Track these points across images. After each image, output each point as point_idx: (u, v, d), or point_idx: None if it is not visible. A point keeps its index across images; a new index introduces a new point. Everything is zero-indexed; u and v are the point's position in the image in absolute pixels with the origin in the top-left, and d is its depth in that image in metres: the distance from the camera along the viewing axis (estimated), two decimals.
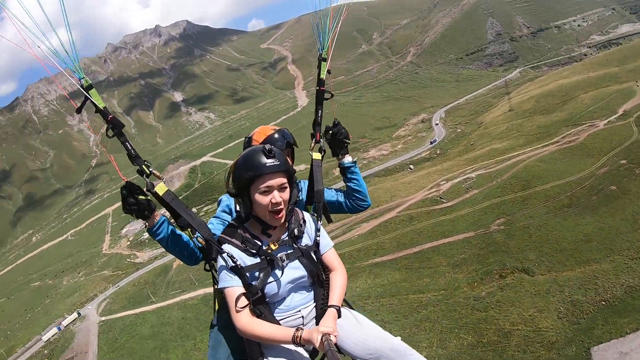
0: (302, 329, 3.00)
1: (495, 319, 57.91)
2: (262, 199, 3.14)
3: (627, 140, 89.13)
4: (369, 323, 3.56)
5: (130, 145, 3.56)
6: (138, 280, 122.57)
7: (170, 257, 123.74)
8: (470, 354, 54.22)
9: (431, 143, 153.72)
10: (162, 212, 3.76)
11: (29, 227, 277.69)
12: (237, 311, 3.07)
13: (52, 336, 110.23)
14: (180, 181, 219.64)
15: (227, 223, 3.72)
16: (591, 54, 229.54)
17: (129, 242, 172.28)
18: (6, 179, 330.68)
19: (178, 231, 3.69)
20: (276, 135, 4.42)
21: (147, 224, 3.63)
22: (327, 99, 4.61)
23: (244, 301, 3.08)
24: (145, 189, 3.52)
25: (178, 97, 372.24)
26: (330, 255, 3.66)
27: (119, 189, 3.50)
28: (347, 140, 4.50)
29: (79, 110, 3.71)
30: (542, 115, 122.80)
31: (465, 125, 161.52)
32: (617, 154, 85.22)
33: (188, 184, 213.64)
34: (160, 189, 3.52)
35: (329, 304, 3.33)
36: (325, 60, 4.53)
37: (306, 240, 3.53)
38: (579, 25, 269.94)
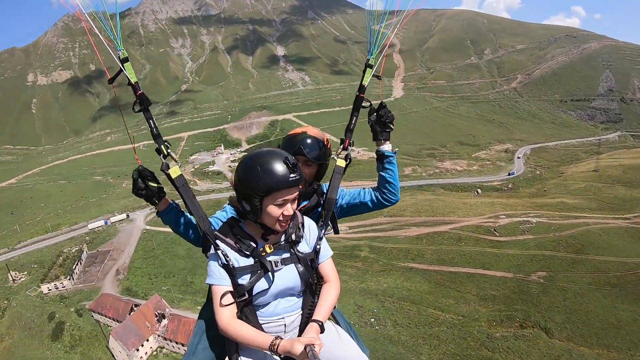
0: (280, 338, 2.97)
1: None
2: (275, 211, 3.11)
3: None
4: (349, 340, 3.59)
5: (154, 123, 3.65)
6: None
7: (226, 194, 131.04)
8: None
9: (509, 174, 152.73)
10: (176, 200, 4.00)
11: (107, 127, 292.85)
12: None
13: (98, 227, 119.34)
14: (259, 130, 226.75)
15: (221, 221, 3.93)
16: None
17: (193, 169, 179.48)
18: (99, 78, 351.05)
19: (188, 217, 3.82)
20: (309, 141, 4.22)
21: (157, 208, 3.78)
22: (364, 107, 4.46)
23: (228, 300, 3.10)
24: (160, 168, 3.64)
25: (280, 51, 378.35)
26: (327, 265, 3.60)
27: (132, 172, 3.68)
28: (391, 125, 4.37)
29: (111, 81, 3.61)
30: (624, 186, 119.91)
31: (546, 169, 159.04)
32: None
33: (265, 134, 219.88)
34: (174, 172, 3.58)
35: (314, 317, 3.27)
36: (371, 67, 4.35)
37: (304, 247, 3.47)
38: None
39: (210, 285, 3.24)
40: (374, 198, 4.33)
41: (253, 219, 3.17)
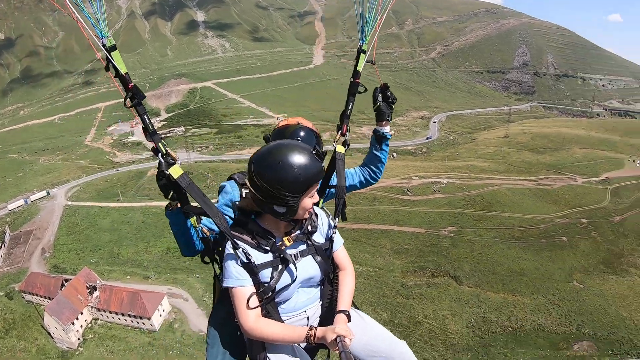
0: (315, 327, 2.96)
1: (412, 307, 64.19)
2: (308, 203, 3.07)
3: (597, 204, 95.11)
4: (375, 324, 3.58)
5: (149, 120, 3.39)
6: (111, 177, 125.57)
7: (147, 165, 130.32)
8: None
9: (427, 138, 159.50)
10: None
11: (19, 100, 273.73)
12: (246, 312, 3.01)
13: (18, 207, 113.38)
14: (178, 98, 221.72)
15: (230, 218, 3.69)
16: (604, 115, 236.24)
17: (112, 140, 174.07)
18: (9, 47, 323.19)
19: (189, 222, 3.54)
20: (302, 133, 4.18)
21: (172, 205, 3.45)
22: (360, 92, 4.47)
23: (254, 302, 3.01)
24: (159, 169, 3.34)
25: (200, 16, 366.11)
26: (341, 252, 3.59)
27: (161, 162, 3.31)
28: (393, 105, 4.42)
29: (107, 68, 3.29)
30: (531, 152, 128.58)
31: (460, 135, 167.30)
32: (582, 212, 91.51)
33: (184, 102, 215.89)
34: (175, 171, 3.30)
35: (339, 308, 3.26)
36: (365, 52, 4.34)
37: (318, 237, 3.43)
38: (603, 86, 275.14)
39: (231, 288, 3.08)
40: (362, 179, 4.49)
41: (287, 219, 3.08)
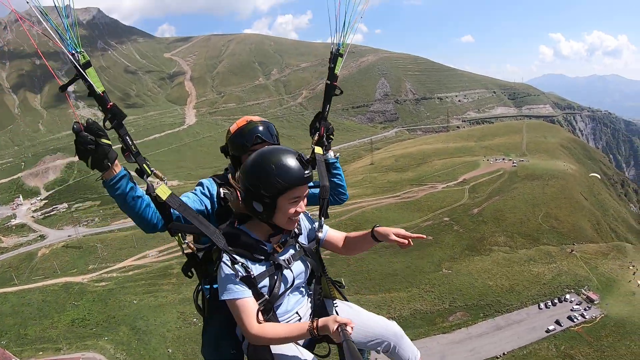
0: (316, 319, 3.03)
1: None
2: (289, 208, 3.17)
3: (457, 203, 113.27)
4: (364, 310, 3.87)
5: (131, 140, 3.35)
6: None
7: (36, 245, 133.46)
8: None
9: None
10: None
11: None
12: (249, 322, 3.09)
13: None
14: (56, 174, 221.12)
15: (207, 208, 3.96)
16: (464, 127, 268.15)
17: None
18: None
19: (139, 191, 3.35)
20: (260, 128, 4.21)
21: (103, 175, 3.23)
22: (336, 95, 4.68)
23: (254, 309, 3.12)
24: (146, 192, 3.34)
25: (70, 87, 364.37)
26: (331, 232, 4.01)
27: (74, 131, 3.13)
28: (332, 137, 4.68)
29: (63, 88, 3.22)
30: (395, 172, 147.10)
31: None
32: (444, 212, 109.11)
33: (62, 178, 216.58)
34: (163, 192, 3.30)
35: (372, 230, 3.80)
36: (342, 56, 4.55)
37: (304, 238, 3.71)
38: (459, 101, 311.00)
39: (232, 301, 3.17)
40: (331, 199, 4.65)
41: (265, 219, 3.25)
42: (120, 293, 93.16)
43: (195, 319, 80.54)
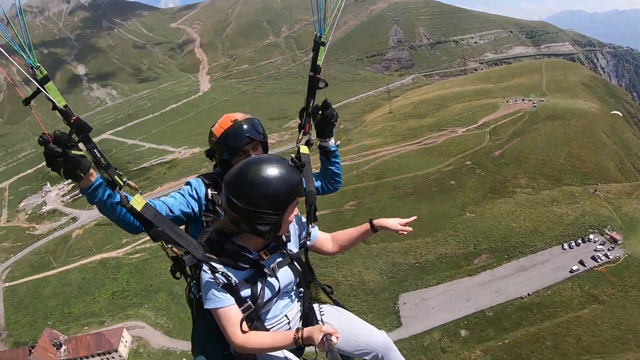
0: (301, 329, 3.06)
1: (332, 273, 78.15)
2: (292, 216, 3.16)
3: (478, 146, 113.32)
4: (355, 318, 3.88)
5: (100, 153, 3.18)
6: (39, 249, 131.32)
7: (68, 228, 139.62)
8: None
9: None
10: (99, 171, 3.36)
11: None
12: (233, 330, 3.10)
13: None
14: None
15: (193, 210, 3.93)
16: (482, 69, 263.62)
17: (27, 215, 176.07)
18: None
19: (118, 197, 3.31)
20: (245, 127, 4.04)
21: (79, 184, 3.25)
22: (321, 88, 4.49)
23: (238, 318, 3.12)
24: (120, 204, 3.28)
25: (81, 70, 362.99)
26: (320, 237, 3.96)
27: (41, 144, 3.03)
28: (335, 123, 4.49)
29: (26, 102, 3.26)
30: (415, 119, 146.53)
31: (350, 122, 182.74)
32: (465, 156, 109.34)
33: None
34: (137, 203, 3.23)
35: (366, 225, 3.90)
36: (324, 44, 4.41)
37: (292, 244, 3.61)
38: (475, 43, 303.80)
39: (215, 310, 3.18)
40: (323, 186, 4.68)
41: (270, 237, 3.18)
42: (155, 262, 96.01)
43: None
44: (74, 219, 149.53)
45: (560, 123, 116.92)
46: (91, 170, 3.19)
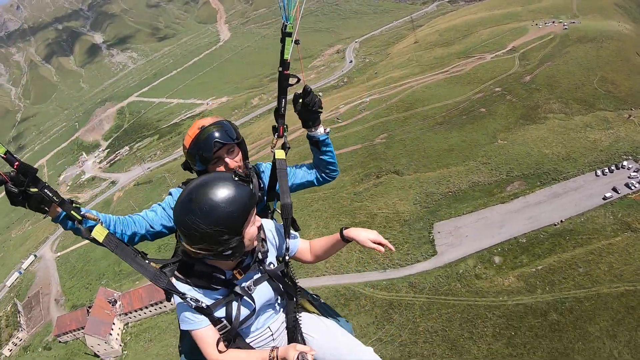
0: (276, 348, 3.11)
1: (367, 207, 79.95)
2: (253, 231, 3.10)
3: (507, 72, 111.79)
4: (340, 332, 3.79)
5: (51, 191, 3.03)
6: None
7: (109, 192, 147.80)
8: None
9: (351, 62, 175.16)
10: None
11: None
12: (210, 351, 3.14)
13: (15, 280, 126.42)
14: (110, 123, 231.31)
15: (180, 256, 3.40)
16: None
17: (68, 187, 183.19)
18: None
19: (90, 223, 3.29)
20: (217, 133, 3.85)
21: (48, 215, 3.16)
22: (292, 85, 4.15)
23: (216, 338, 3.15)
24: (82, 237, 3.21)
25: (98, 38, 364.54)
26: (300, 247, 3.85)
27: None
28: (320, 110, 4.13)
29: None
30: (441, 47, 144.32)
31: (375, 55, 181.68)
32: (495, 83, 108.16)
33: (117, 125, 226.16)
34: (99, 234, 3.14)
35: (338, 234, 3.68)
36: (290, 35, 4.00)
37: (271, 258, 3.54)
38: None
39: (189, 332, 3.25)
40: (319, 177, 4.50)
41: (238, 257, 3.12)
42: None
43: None
44: (114, 183, 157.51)
45: (592, 46, 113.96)
46: (54, 205, 3.15)
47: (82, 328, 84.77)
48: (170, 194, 4.09)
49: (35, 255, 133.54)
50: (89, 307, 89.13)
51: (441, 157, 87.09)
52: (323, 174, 4.48)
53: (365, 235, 3.51)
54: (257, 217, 3.13)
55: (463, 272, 65.95)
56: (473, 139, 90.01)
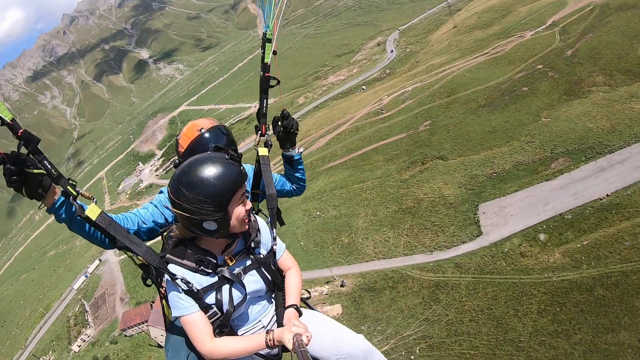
0: (272, 330, 3.13)
1: (413, 192, 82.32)
2: (241, 210, 3.16)
3: (548, 48, 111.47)
4: (332, 322, 3.92)
5: (50, 164, 3.14)
6: None
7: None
8: (393, 217, 79.61)
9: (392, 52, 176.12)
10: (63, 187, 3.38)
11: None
12: (201, 338, 3.15)
13: (82, 283, 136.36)
14: (162, 133, 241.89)
15: (166, 219, 4.11)
16: None
17: (127, 195, 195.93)
18: None
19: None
20: (207, 135, 4.18)
21: (44, 203, 3.25)
22: (272, 87, 4.53)
23: (206, 325, 3.19)
24: (75, 215, 3.30)
25: (144, 54, 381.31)
26: (285, 258, 3.82)
27: None
28: (296, 132, 4.48)
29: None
30: (480, 29, 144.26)
31: (415, 44, 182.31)
32: (536, 60, 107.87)
33: (170, 134, 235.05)
34: (92, 212, 3.29)
35: (288, 304, 3.54)
36: (270, 41, 4.37)
37: (262, 249, 3.63)
38: None
39: (179, 318, 3.28)
40: (293, 189, 4.88)
41: (222, 234, 3.18)
42: None
43: (317, 213, 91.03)
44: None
45: (634, 12, 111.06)
46: (55, 189, 3.29)
47: (146, 321, 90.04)
48: (161, 192, 4.32)
49: (100, 260, 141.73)
50: (152, 302, 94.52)
51: (485, 139, 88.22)
52: (294, 189, 4.95)
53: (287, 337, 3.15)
54: (248, 201, 3.31)
55: (508, 251, 67.06)
56: (516, 119, 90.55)
